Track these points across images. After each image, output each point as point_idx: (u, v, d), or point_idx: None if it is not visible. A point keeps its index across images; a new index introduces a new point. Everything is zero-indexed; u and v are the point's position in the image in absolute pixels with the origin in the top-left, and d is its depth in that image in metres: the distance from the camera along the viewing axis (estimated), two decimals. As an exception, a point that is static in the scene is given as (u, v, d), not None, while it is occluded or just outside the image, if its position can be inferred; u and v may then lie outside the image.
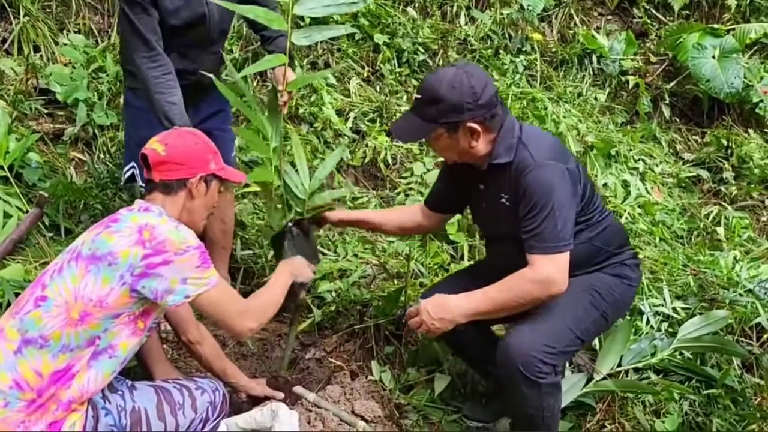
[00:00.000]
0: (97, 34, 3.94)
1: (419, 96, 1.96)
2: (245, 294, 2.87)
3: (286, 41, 2.19)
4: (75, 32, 3.90)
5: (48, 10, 3.89)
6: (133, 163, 2.47)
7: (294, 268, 2.13)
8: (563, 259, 1.86)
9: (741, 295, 2.73)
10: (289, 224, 2.27)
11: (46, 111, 3.45)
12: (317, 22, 3.34)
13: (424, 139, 2.03)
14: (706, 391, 2.37)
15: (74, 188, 2.97)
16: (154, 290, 1.66)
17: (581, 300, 2.01)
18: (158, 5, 2.26)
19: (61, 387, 1.63)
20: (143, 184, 2.46)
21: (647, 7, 5.31)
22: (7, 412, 1.59)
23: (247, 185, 3.14)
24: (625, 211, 3.66)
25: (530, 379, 1.88)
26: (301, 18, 3.58)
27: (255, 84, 3.97)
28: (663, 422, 2.24)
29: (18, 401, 1.60)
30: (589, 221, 2.06)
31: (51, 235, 2.80)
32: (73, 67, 3.62)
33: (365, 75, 4.25)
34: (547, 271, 1.84)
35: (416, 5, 4.71)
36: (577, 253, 1.94)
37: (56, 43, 3.79)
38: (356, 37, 4.33)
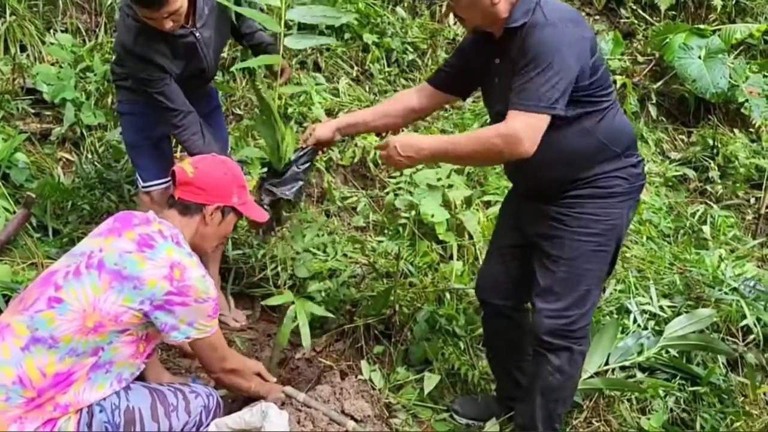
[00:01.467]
0: (84, 33, 3.92)
1: None
2: (236, 295, 2.92)
3: (265, 35, 2.26)
4: (62, 31, 3.88)
5: (35, 9, 3.87)
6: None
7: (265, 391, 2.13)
8: (540, 120, 1.77)
9: (726, 293, 2.76)
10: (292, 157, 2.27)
11: (33, 111, 3.44)
12: (306, 26, 3.36)
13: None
14: (691, 389, 2.40)
15: (62, 189, 2.96)
16: (164, 323, 1.74)
17: (591, 255, 1.95)
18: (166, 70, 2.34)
19: (59, 391, 1.67)
20: (147, 184, 2.52)
21: (634, 7, 5.35)
22: (7, 406, 1.62)
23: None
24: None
25: (564, 347, 1.95)
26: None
27: (243, 83, 3.97)
28: (648, 419, 2.27)
29: (19, 397, 1.63)
30: (597, 104, 1.91)
31: (39, 235, 2.79)
32: (61, 67, 3.60)
33: (354, 75, 4.26)
34: (518, 127, 1.76)
35: (405, 5, 4.73)
36: (579, 146, 1.88)
37: (43, 43, 3.77)
38: (345, 37, 4.33)
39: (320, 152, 2.41)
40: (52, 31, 3.86)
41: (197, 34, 2.34)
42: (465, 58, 2.14)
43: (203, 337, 1.82)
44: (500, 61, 1.96)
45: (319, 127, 2.27)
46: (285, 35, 2.30)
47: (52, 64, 3.66)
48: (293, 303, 2.21)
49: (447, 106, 4.21)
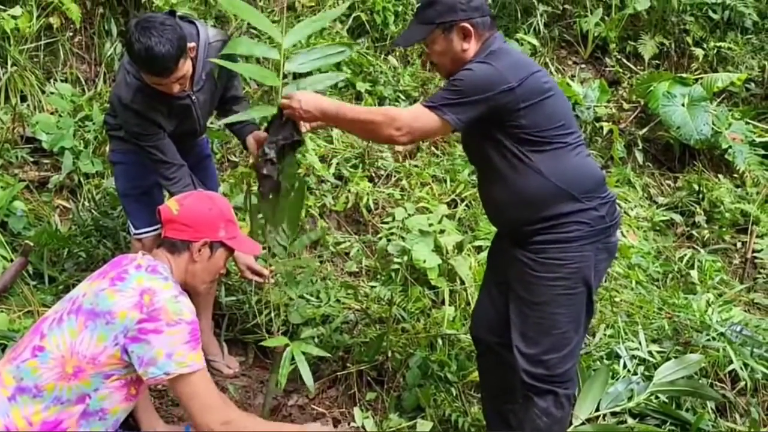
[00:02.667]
0: (83, 82, 4.01)
1: (419, 4, 2.14)
2: (229, 341, 2.93)
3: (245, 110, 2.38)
4: (62, 81, 3.97)
5: (36, 59, 3.96)
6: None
7: None
8: (427, 117, 1.93)
9: (713, 338, 2.81)
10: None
11: (32, 159, 3.49)
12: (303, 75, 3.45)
13: (422, 42, 2.13)
14: (681, 435, 2.43)
15: (58, 236, 3.00)
16: (140, 357, 1.68)
17: (560, 299, 2.00)
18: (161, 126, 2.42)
19: None
20: (138, 232, 2.56)
21: (618, 56, 5.52)
22: None
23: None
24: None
25: (547, 390, 2.00)
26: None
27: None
28: (640, 467, 2.29)
29: None
30: (549, 144, 1.98)
31: (35, 283, 2.81)
32: (60, 116, 3.67)
33: (348, 122, 4.35)
34: (405, 114, 1.97)
35: (397, 54, 4.87)
36: (533, 187, 1.97)
37: (43, 92, 3.85)
38: (339, 85, 4.45)
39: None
40: (52, 80, 3.94)
41: (194, 98, 2.41)
42: None
43: (185, 372, 1.68)
44: None
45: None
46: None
47: (52, 113, 3.73)
48: (288, 345, 2.21)
49: (437, 152, 4.34)
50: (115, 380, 1.71)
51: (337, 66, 4.43)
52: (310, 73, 2.52)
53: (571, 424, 2.40)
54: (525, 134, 1.97)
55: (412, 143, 2.08)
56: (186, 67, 2.23)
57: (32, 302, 2.61)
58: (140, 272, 1.76)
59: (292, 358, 2.70)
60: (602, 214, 2.03)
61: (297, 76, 2.49)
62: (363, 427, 2.47)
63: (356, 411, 2.54)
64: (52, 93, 3.83)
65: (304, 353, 2.25)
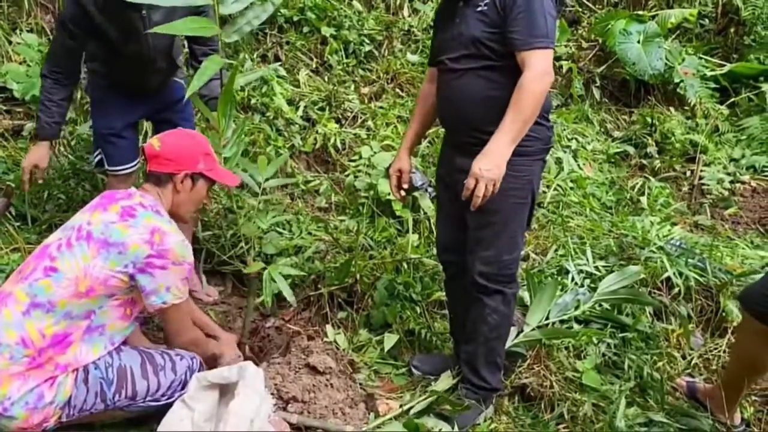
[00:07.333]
0: (49, 32, 4.05)
1: None
2: (208, 272, 3.12)
3: (218, 85, 2.37)
4: (27, 31, 4.01)
5: (0, 11, 3.98)
6: (99, 150, 2.72)
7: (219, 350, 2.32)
8: (551, 55, 2.03)
9: (654, 252, 3.07)
10: None
11: (4, 108, 3.57)
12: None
13: None
14: (621, 335, 2.69)
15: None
16: (144, 287, 1.92)
17: (513, 207, 2.19)
18: (96, 34, 2.47)
19: (58, 352, 1.86)
20: (109, 168, 2.70)
21: (578, -4, 5.67)
22: (11, 364, 1.82)
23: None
24: (555, 184, 3.97)
25: (496, 290, 2.23)
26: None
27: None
28: (583, 363, 2.55)
29: (21, 356, 1.83)
30: None
31: (19, 224, 2.95)
32: (28, 65, 3.74)
33: (314, 66, 4.47)
34: (544, 64, 1.99)
35: (361, -2, 4.96)
36: (505, 93, 2.04)
37: (9, 43, 3.90)
38: (304, 30, 4.54)
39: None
40: (17, 31, 3.98)
41: (144, 12, 2.42)
42: (437, 27, 2.36)
43: (178, 302, 1.98)
44: (464, 3, 2.18)
45: (396, 163, 2.48)
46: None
47: (20, 63, 3.79)
48: (265, 269, 2.39)
49: (401, 93, 4.48)
50: (116, 300, 1.93)
51: (301, 11, 4.53)
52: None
53: (523, 330, 2.65)
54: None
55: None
56: None
57: (18, 240, 2.76)
58: (148, 212, 1.97)
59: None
60: (551, 134, 2.26)
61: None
62: (335, 341, 2.70)
63: (328, 328, 2.75)
64: (18, 43, 3.88)
65: (281, 274, 2.44)
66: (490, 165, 2.01)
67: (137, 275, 1.91)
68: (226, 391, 2.11)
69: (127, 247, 1.89)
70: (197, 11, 2.41)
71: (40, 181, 2.77)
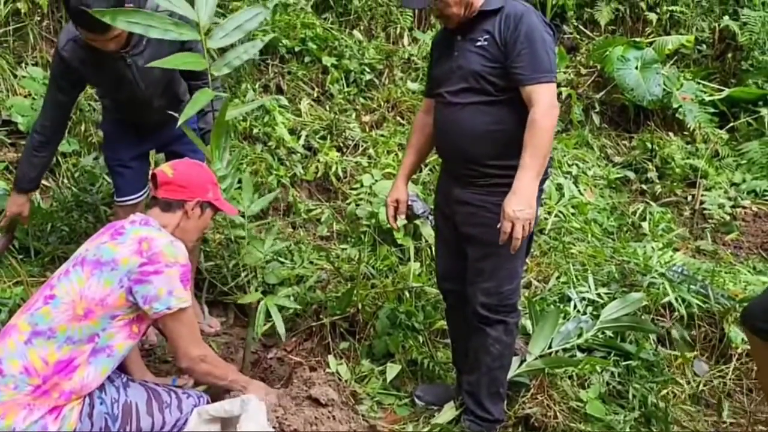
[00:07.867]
0: (54, 66, 4.11)
1: None
2: (210, 303, 3.12)
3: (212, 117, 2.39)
4: (33, 65, 4.07)
5: (5, 44, 4.05)
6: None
7: (245, 381, 2.25)
8: (555, 88, 2.08)
9: (656, 278, 3.07)
10: None
11: (9, 141, 3.61)
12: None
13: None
14: (624, 363, 2.68)
15: (42, 212, 3.14)
16: (144, 296, 1.90)
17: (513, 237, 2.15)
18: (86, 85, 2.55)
19: (63, 377, 1.85)
20: (117, 199, 2.74)
21: (576, 23, 5.73)
22: (16, 394, 1.81)
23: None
24: (556, 210, 3.98)
25: (498, 320, 2.23)
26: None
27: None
28: (587, 392, 2.54)
29: (26, 386, 1.82)
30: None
31: (22, 256, 2.96)
32: (33, 98, 3.79)
33: (315, 95, 4.52)
34: (550, 98, 2.03)
35: (361, 28, 5.03)
36: (511, 126, 2.09)
37: (15, 76, 3.95)
38: (306, 60, 4.60)
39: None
40: (23, 64, 4.04)
41: (129, 60, 2.42)
42: (435, 58, 2.39)
43: (183, 306, 1.92)
44: (462, 38, 2.21)
45: (393, 193, 2.51)
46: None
47: (25, 96, 3.84)
48: (261, 299, 2.40)
49: (402, 121, 4.52)
50: (120, 320, 1.92)
51: (302, 41, 4.59)
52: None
53: (525, 359, 2.64)
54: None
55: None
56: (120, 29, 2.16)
57: (20, 273, 2.77)
58: (135, 225, 1.98)
59: (269, 314, 2.91)
60: (549, 165, 2.26)
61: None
62: (337, 372, 2.69)
63: (330, 359, 2.75)
64: (24, 77, 3.93)
65: (278, 306, 2.45)
66: (522, 205, 2.00)
67: (134, 287, 1.89)
68: (228, 424, 2.10)
69: (118, 262, 1.88)
70: (185, 49, 2.38)
71: (24, 226, 2.87)
